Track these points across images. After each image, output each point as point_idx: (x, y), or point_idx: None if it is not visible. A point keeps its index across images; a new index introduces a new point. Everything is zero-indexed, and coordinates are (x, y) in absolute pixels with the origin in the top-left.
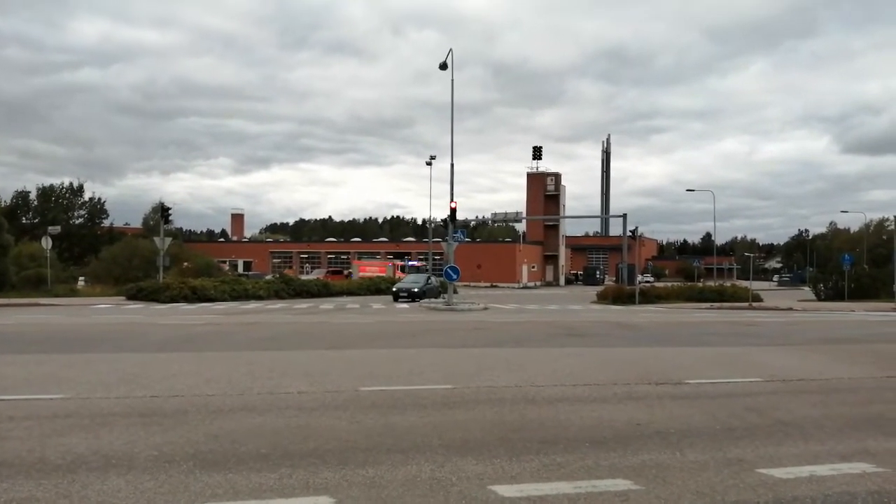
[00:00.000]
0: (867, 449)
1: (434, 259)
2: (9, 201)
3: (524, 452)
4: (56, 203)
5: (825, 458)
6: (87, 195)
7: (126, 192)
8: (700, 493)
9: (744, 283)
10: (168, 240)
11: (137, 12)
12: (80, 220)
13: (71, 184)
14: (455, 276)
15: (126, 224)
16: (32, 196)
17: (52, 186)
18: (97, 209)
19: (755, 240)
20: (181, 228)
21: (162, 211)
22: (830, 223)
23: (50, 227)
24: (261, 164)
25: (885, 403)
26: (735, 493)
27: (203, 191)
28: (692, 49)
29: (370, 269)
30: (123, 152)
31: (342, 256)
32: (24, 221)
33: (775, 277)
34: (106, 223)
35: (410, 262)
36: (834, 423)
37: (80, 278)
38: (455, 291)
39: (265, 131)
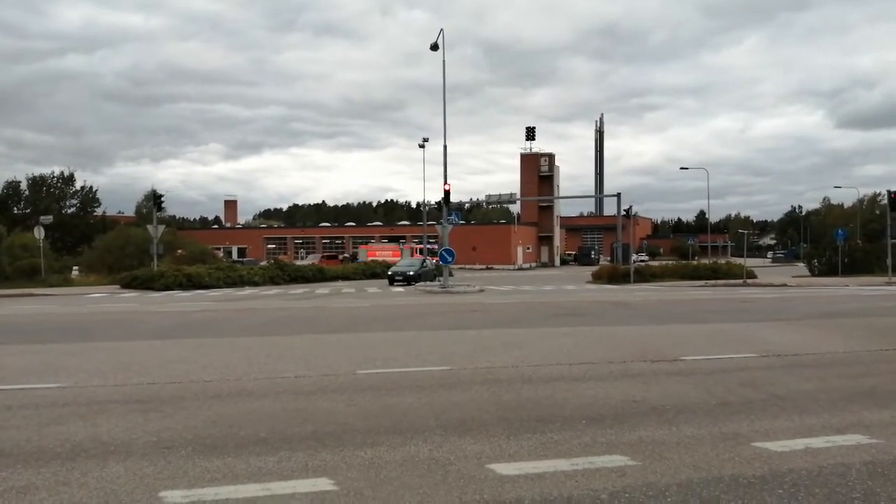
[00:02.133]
0: (861, 421)
1: (429, 242)
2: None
3: (522, 431)
4: (48, 193)
5: (820, 431)
6: (78, 184)
7: (116, 181)
8: (696, 467)
9: (738, 260)
10: (161, 227)
11: None
12: (73, 209)
13: (62, 173)
14: (450, 259)
15: (119, 212)
16: (23, 186)
17: (42, 176)
18: (89, 198)
19: (749, 217)
20: (174, 216)
21: (154, 198)
22: (824, 199)
23: (42, 217)
24: (252, 149)
25: (879, 376)
26: (731, 467)
27: (195, 177)
28: (685, 24)
29: (381, 254)
30: (112, 140)
31: (337, 241)
32: (15, 212)
33: (770, 254)
34: (98, 212)
35: (429, 245)
36: (828, 397)
37: (74, 268)
38: (450, 274)
39: (255, 116)
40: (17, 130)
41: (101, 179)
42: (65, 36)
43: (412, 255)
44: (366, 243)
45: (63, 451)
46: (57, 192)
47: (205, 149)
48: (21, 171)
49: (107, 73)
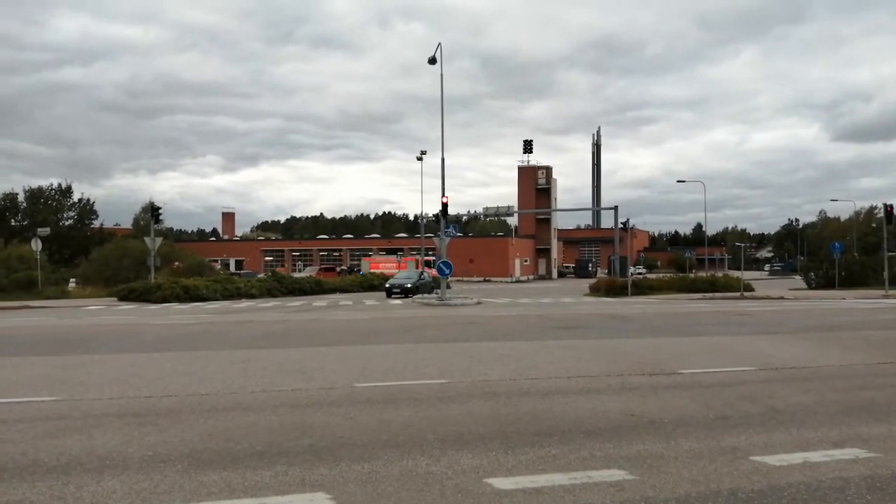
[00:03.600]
0: (859, 435)
1: (427, 254)
2: None
3: (519, 445)
4: (45, 205)
5: (818, 445)
6: (76, 196)
7: (114, 193)
8: (695, 481)
9: (735, 273)
10: (159, 240)
11: (118, 8)
12: (70, 221)
13: (60, 185)
14: (448, 271)
15: (116, 224)
16: (21, 198)
17: (40, 188)
18: (87, 210)
19: (746, 230)
20: (172, 228)
21: (152, 211)
22: (820, 212)
23: (39, 229)
24: (249, 161)
25: (877, 389)
26: (729, 481)
27: (192, 189)
28: (682, 37)
29: (385, 266)
30: (109, 152)
31: (334, 253)
32: (12, 224)
33: (766, 267)
34: (96, 224)
35: (428, 257)
36: (826, 410)
37: (71, 280)
38: (448, 286)
39: (252, 128)
40: (14, 142)
41: (99, 192)
42: (62, 48)
43: (417, 268)
44: (368, 255)
45: (58, 465)
46: (54, 203)
47: (202, 161)
48: (17, 183)
49: (104, 85)
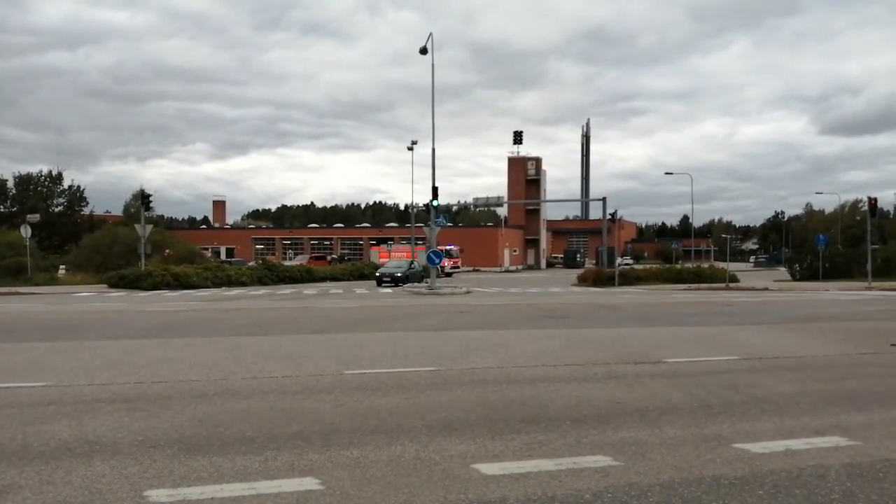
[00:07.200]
0: (840, 423)
1: (416, 244)
2: None
3: (506, 431)
4: (35, 191)
5: (800, 433)
6: (66, 183)
7: (102, 180)
8: (678, 467)
9: (721, 265)
10: (149, 227)
11: None
12: (60, 208)
13: (50, 171)
14: (438, 261)
15: (106, 212)
16: (10, 184)
17: (29, 174)
18: (77, 197)
19: (732, 222)
20: (162, 216)
21: (142, 198)
22: (806, 205)
23: (29, 216)
24: (239, 149)
25: (858, 379)
26: (712, 468)
27: (182, 177)
28: (674, 28)
29: (397, 255)
30: (97, 138)
31: (325, 242)
32: (2, 210)
33: (752, 258)
34: (86, 211)
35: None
36: (809, 399)
37: (61, 267)
38: (446, 274)
39: (242, 116)
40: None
41: (87, 178)
42: (46, 31)
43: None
44: (377, 245)
45: (48, 450)
46: (44, 190)
47: (191, 148)
48: (4, 169)
49: (90, 70)
